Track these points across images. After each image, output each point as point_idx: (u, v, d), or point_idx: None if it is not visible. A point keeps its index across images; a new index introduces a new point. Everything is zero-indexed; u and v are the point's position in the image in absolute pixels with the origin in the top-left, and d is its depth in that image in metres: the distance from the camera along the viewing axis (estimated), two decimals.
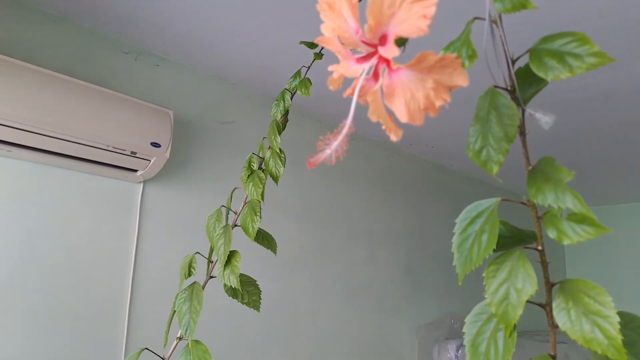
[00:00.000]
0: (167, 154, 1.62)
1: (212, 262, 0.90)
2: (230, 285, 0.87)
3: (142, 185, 1.72)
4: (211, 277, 0.90)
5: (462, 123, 2.37)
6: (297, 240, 2.18)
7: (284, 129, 0.93)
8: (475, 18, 0.38)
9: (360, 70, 0.31)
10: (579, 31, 0.34)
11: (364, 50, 0.31)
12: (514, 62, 0.38)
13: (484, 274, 0.41)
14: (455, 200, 3.12)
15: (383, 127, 0.32)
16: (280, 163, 0.87)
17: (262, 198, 0.90)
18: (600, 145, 2.73)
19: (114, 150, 1.50)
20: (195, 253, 0.91)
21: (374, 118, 0.32)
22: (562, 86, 1.97)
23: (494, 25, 0.37)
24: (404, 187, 2.81)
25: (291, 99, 0.92)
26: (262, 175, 0.86)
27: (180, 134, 1.82)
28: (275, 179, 0.88)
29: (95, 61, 1.62)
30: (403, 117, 0.30)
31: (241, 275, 0.91)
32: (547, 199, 0.37)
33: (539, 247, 0.41)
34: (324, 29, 0.31)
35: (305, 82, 0.89)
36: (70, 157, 1.46)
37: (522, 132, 0.40)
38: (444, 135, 2.63)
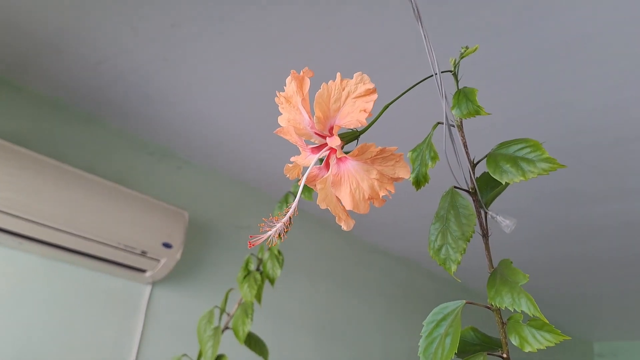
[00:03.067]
0: (178, 255, 1.63)
1: None
2: None
3: (150, 287, 1.71)
4: None
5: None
6: (308, 356, 2.10)
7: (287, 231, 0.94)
8: (439, 123, 0.40)
9: (313, 160, 0.33)
10: (532, 138, 0.36)
11: (317, 141, 0.33)
12: (474, 165, 0.39)
13: None
14: (478, 322, 3.00)
15: (336, 219, 0.33)
16: (277, 265, 0.88)
17: (259, 300, 0.89)
18: (623, 277, 2.66)
19: (124, 248, 1.52)
20: (183, 355, 0.89)
21: (323, 206, 0.33)
22: (583, 212, 1.97)
23: (456, 130, 0.39)
24: (424, 305, 2.73)
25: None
26: (258, 276, 0.86)
27: (195, 236, 1.84)
28: (272, 281, 0.88)
29: (119, 160, 1.70)
30: (348, 205, 0.31)
31: None
32: (505, 301, 0.37)
33: (504, 355, 0.39)
34: (280, 120, 0.34)
35: (307, 186, 0.92)
36: (79, 253, 1.48)
37: (485, 235, 0.40)
38: (467, 256, 2.60)
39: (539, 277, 2.72)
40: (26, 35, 1.30)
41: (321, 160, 0.34)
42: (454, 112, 0.38)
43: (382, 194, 0.31)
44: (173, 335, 1.71)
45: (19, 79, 1.48)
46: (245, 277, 0.86)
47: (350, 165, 0.31)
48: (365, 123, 0.31)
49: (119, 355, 1.58)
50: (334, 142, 0.31)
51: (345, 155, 0.31)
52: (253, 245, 0.33)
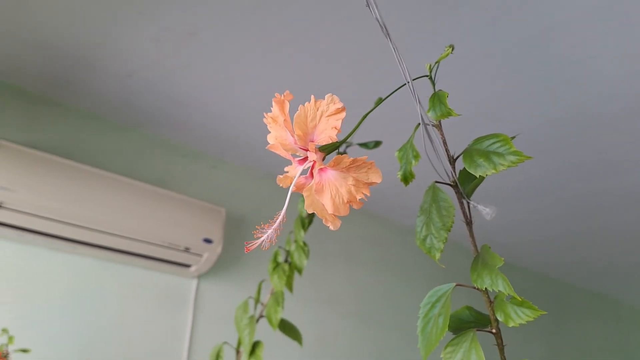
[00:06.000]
0: (219, 250, 1.71)
1: (239, 352, 0.94)
2: None
3: (196, 280, 1.80)
4: None
5: (522, 217, 2.35)
6: (348, 340, 2.16)
7: (310, 224, 0.99)
8: (424, 123, 0.44)
9: (298, 171, 0.38)
10: (502, 133, 0.39)
11: (302, 154, 0.38)
12: (454, 161, 0.43)
13: (441, 355, 0.44)
14: (526, 299, 2.98)
15: (324, 221, 0.38)
16: (303, 255, 0.93)
17: (290, 289, 0.95)
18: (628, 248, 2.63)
19: (168, 246, 1.61)
20: (224, 343, 0.95)
21: (310, 210, 0.38)
22: (616, 182, 1.96)
23: (435, 129, 0.43)
24: (467, 282, 2.74)
25: None
26: (286, 267, 0.91)
27: (233, 231, 1.92)
28: (300, 270, 0.93)
29: (156, 164, 1.78)
30: (329, 209, 0.36)
31: None
32: (485, 282, 0.40)
33: (493, 330, 0.43)
34: (269, 137, 0.38)
35: None
36: (128, 254, 1.58)
37: (469, 222, 0.44)
38: (506, 230, 2.60)
39: (581, 249, 2.70)
40: (60, 55, 1.38)
41: (307, 170, 0.39)
42: (429, 114, 0.42)
43: (359, 197, 0.35)
44: (221, 324, 1.80)
45: (57, 96, 1.57)
46: (274, 268, 0.91)
47: (330, 174, 0.36)
48: (335, 139, 0.35)
49: (173, 346, 1.67)
50: (313, 156, 0.36)
51: (325, 166, 0.36)
52: (249, 250, 0.38)
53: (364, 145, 1.02)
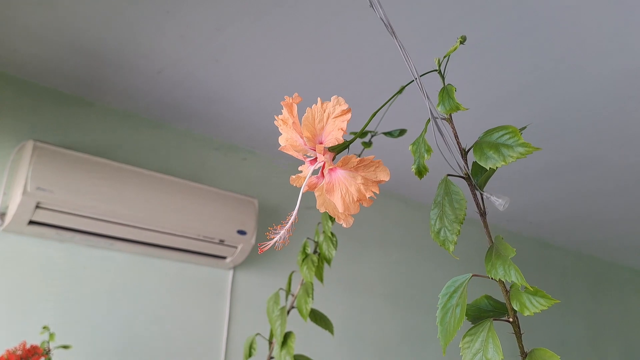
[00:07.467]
0: (253, 240, 1.74)
1: (271, 343, 0.97)
2: None
3: (232, 271, 1.84)
4: (271, 357, 0.96)
5: (558, 194, 2.32)
6: (387, 325, 2.18)
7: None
8: (433, 118, 0.44)
9: (309, 171, 0.39)
10: (511, 125, 0.40)
11: (312, 154, 0.39)
12: (466, 153, 0.44)
13: (460, 345, 0.45)
14: (564, 278, 2.95)
15: (336, 219, 0.39)
16: (332, 246, 0.94)
17: (321, 279, 0.97)
18: None
19: (203, 239, 1.65)
20: (256, 334, 0.98)
21: (322, 209, 0.39)
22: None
23: (446, 123, 0.44)
24: None
25: None
26: (314, 258, 0.93)
27: (266, 222, 1.94)
28: (328, 261, 0.95)
29: (189, 159, 1.82)
30: (340, 208, 0.37)
31: (300, 356, 0.96)
32: (498, 273, 0.41)
33: (510, 319, 0.44)
34: (280, 139, 0.40)
35: None
36: (164, 248, 1.62)
37: (482, 214, 0.44)
38: (541, 209, 2.56)
39: (620, 224, 2.66)
40: (91, 56, 1.42)
41: (318, 170, 0.40)
42: (439, 108, 0.42)
43: (368, 195, 0.36)
44: (258, 313, 1.83)
45: (90, 96, 1.62)
46: (303, 259, 0.93)
47: (340, 174, 0.37)
48: (342, 140, 0.36)
49: (211, 336, 1.72)
50: (321, 158, 0.37)
51: (334, 166, 0.37)
52: (262, 251, 0.40)
53: (389, 134, 1.02)
